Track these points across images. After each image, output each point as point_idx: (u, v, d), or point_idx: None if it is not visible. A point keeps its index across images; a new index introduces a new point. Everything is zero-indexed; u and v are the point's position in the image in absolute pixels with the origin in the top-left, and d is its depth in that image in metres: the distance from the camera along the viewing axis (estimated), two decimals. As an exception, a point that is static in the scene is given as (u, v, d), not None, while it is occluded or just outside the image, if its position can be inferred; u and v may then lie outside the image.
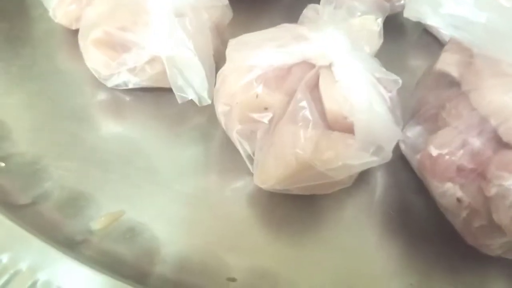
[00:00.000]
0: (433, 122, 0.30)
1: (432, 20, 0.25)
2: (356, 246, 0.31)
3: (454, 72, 0.29)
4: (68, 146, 0.34)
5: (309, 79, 0.29)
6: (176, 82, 0.32)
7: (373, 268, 0.30)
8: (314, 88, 0.29)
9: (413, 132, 0.32)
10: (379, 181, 0.35)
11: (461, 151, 0.26)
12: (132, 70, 0.35)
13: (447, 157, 0.27)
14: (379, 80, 0.29)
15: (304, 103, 0.28)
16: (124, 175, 0.33)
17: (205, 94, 0.32)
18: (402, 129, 0.31)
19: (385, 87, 0.29)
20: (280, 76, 0.29)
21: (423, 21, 0.25)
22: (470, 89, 0.27)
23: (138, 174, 0.33)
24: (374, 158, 0.27)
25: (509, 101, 0.25)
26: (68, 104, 0.37)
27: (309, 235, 0.31)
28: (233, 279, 0.28)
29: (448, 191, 0.27)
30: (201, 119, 0.37)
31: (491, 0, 0.24)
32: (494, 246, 0.27)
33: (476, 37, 0.25)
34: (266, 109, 0.28)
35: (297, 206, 0.32)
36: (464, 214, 0.27)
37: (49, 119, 0.36)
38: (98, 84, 0.37)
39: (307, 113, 0.27)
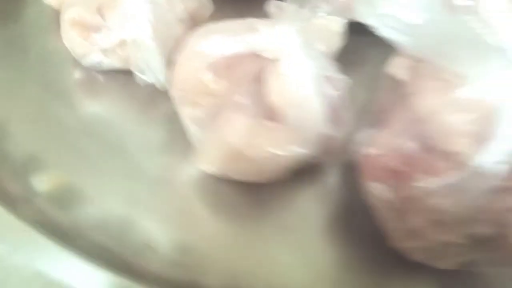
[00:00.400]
0: (379, 124, 0.30)
1: (368, 21, 0.25)
2: (296, 238, 0.31)
3: (402, 75, 0.29)
4: (36, 115, 0.36)
5: (256, 70, 0.29)
6: (137, 65, 0.33)
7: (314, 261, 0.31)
8: (260, 79, 0.29)
9: (364, 134, 0.32)
10: (332, 179, 0.35)
11: (393, 153, 0.27)
12: (104, 51, 0.37)
13: (377, 157, 0.27)
14: (327, 78, 0.29)
15: (245, 93, 0.28)
16: (88, 149, 0.34)
17: (162, 79, 0.33)
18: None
19: (333, 86, 0.30)
20: (229, 65, 0.30)
21: (360, 21, 0.25)
22: (411, 92, 0.27)
23: (104, 150, 0.35)
24: (300, 151, 0.27)
25: (440, 105, 0.25)
26: (45, 79, 0.39)
27: (252, 219, 0.32)
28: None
29: (375, 190, 0.27)
30: (170, 102, 0.38)
31: (429, 2, 0.24)
32: (415, 250, 0.27)
33: (412, 40, 0.25)
34: (212, 95, 0.29)
35: (247, 192, 0.33)
36: (386, 214, 0.27)
37: (21, 90, 0.38)
38: (77, 64, 0.40)
39: (246, 102, 0.28)
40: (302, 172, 0.32)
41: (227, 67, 0.30)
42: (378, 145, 0.28)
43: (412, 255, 0.28)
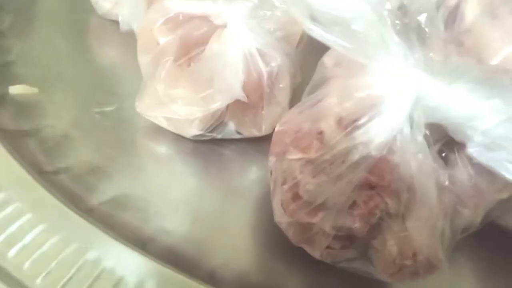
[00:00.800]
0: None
1: (292, 10, 0.26)
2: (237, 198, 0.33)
3: (328, 62, 0.29)
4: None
5: (203, 31, 0.32)
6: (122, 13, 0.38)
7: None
8: (204, 41, 0.32)
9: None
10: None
11: (290, 129, 0.27)
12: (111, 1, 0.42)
13: (278, 132, 0.28)
14: (260, 52, 0.31)
15: (186, 50, 0.31)
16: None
17: (134, 27, 0.37)
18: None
19: (264, 61, 0.31)
20: (181, 22, 0.32)
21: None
22: (330, 77, 0.28)
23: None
24: (206, 108, 0.29)
25: (334, 90, 0.25)
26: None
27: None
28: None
29: (270, 163, 0.28)
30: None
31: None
32: (287, 228, 0.27)
33: (332, 32, 0.25)
34: (158, 44, 0.32)
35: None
36: (271, 187, 0.28)
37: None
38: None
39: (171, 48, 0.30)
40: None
41: (179, 23, 0.33)
42: (284, 121, 0.28)
43: (287, 233, 0.28)
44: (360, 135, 0.23)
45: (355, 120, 0.23)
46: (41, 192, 0.29)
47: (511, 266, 0.31)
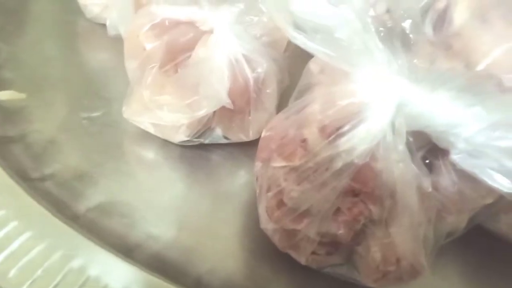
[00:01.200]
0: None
1: (275, 17, 0.26)
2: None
3: (314, 69, 0.29)
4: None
5: (189, 37, 0.32)
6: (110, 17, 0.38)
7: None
8: (190, 46, 0.32)
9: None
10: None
11: (276, 135, 0.27)
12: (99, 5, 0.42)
13: (265, 137, 0.28)
14: (246, 58, 0.31)
15: (172, 55, 0.31)
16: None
17: (122, 32, 0.37)
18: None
19: (250, 67, 0.31)
20: (167, 28, 0.32)
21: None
22: (315, 83, 0.28)
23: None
24: (192, 115, 0.29)
25: (318, 97, 0.25)
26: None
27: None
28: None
29: (255, 168, 0.28)
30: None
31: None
32: (273, 234, 0.27)
33: (314, 40, 0.25)
34: (144, 49, 0.32)
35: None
36: (257, 193, 0.28)
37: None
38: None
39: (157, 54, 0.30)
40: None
41: (165, 29, 0.32)
42: (270, 127, 0.28)
43: (273, 239, 0.28)
44: (343, 143, 0.23)
45: (338, 128, 0.23)
46: (27, 199, 0.29)
47: (498, 270, 0.31)
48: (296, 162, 0.24)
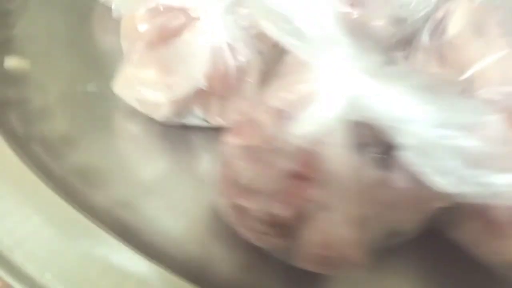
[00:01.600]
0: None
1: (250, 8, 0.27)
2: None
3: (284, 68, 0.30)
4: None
5: (180, 22, 0.34)
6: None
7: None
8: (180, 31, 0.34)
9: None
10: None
11: (242, 117, 0.29)
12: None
13: (234, 120, 0.29)
14: (230, 46, 0.32)
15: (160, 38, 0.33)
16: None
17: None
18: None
19: (235, 56, 0.33)
20: (160, 12, 0.34)
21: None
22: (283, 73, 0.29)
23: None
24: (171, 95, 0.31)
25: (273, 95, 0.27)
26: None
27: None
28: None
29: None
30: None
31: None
32: (226, 209, 0.28)
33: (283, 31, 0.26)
34: (137, 30, 0.34)
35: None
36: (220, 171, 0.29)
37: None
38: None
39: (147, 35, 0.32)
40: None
41: (159, 14, 0.35)
42: (239, 110, 0.30)
43: (227, 217, 0.29)
44: (293, 127, 0.24)
45: (290, 112, 0.24)
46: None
47: (453, 275, 0.30)
48: (248, 141, 0.25)
